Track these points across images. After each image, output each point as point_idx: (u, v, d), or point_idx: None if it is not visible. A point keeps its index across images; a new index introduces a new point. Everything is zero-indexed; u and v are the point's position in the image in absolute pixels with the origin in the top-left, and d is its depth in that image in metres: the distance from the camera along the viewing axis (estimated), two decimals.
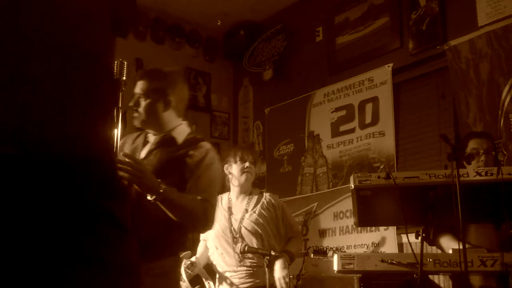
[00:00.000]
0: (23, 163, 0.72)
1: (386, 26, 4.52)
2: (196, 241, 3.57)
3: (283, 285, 3.02)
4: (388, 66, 4.42)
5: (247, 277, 3.13)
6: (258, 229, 3.16)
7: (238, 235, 3.17)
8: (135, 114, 2.42)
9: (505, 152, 3.53)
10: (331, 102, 4.89)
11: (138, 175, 2.06)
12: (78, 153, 0.77)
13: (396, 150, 4.28)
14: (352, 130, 4.65)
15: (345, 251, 4.30)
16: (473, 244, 2.76)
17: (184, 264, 3.30)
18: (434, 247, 3.03)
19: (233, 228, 3.20)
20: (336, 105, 4.84)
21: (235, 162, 3.32)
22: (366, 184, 2.37)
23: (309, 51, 5.25)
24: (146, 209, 2.16)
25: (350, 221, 4.37)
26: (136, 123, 2.45)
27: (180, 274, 2.46)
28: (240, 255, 3.12)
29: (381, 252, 3.99)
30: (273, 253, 2.96)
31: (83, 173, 0.76)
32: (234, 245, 3.16)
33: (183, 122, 2.48)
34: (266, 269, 2.91)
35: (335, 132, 4.79)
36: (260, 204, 3.28)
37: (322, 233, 4.64)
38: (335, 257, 2.50)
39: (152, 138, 2.45)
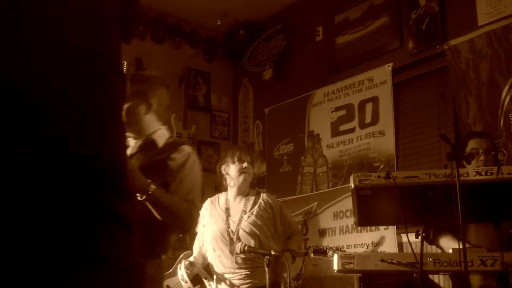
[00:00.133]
0: (37, 163, 0.73)
1: (386, 26, 4.52)
2: (192, 240, 3.57)
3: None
4: (388, 66, 4.43)
5: (245, 278, 3.13)
6: (256, 231, 3.15)
7: (235, 237, 3.16)
8: None
9: (505, 152, 3.53)
10: (331, 101, 4.89)
11: (130, 174, 2.06)
12: (91, 153, 0.78)
13: (396, 149, 4.29)
14: (352, 130, 4.65)
15: (345, 251, 4.30)
16: (473, 244, 2.76)
17: (184, 263, 3.30)
18: (434, 247, 3.03)
19: (231, 230, 3.19)
20: (336, 104, 4.84)
21: (233, 162, 3.31)
22: (366, 183, 2.37)
23: (309, 51, 5.25)
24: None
25: (350, 221, 4.37)
26: None
27: (164, 277, 2.47)
28: (237, 256, 3.11)
29: (381, 251, 3.99)
30: (273, 252, 2.95)
31: (95, 173, 0.78)
32: (231, 247, 3.15)
33: (163, 126, 2.51)
34: (266, 268, 2.91)
35: (335, 132, 4.79)
36: (257, 205, 3.26)
37: (322, 233, 4.64)
38: (335, 256, 2.50)
39: (132, 142, 2.47)
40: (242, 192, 3.32)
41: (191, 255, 3.43)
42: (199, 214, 2.38)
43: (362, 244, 4.29)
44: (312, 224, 4.74)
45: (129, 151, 2.42)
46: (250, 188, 3.43)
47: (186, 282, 3.31)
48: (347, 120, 4.71)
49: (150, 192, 2.13)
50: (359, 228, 4.30)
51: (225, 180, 3.37)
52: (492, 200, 2.32)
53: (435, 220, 2.24)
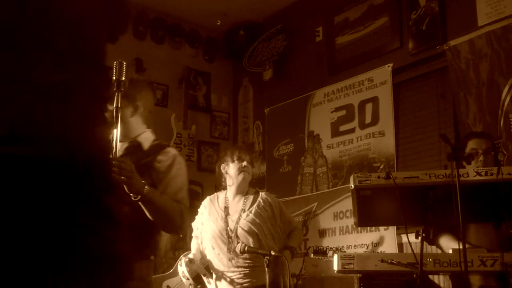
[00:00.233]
0: (25, 161, 0.76)
1: (386, 26, 4.52)
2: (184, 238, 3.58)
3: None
4: (388, 66, 4.42)
5: (244, 277, 3.13)
6: (255, 229, 3.16)
7: (234, 235, 3.17)
8: None
9: (505, 152, 3.53)
10: (331, 102, 4.89)
11: (129, 175, 2.11)
12: (78, 152, 0.81)
13: (396, 150, 4.28)
14: (352, 130, 4.65)
15: (345, 251, 4.30)
16: (473, 244, 2.76)
17: (184, 260, 3.30)
18: (434, 247, 3.03)
19: (229, 228, 3.20)
20: (336, 105, 4.84)
21: (232, 161, 3.32)
22: (366, 184, 2.37)
23: (309, 51, 5.25)
24: (119, 213, 2.17)
25: (350, 221, 4.37)
26: None
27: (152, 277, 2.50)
28: (234, 255, 3.12)
29: (381, 252, 3.99)
30: (273, 253, 2.95)
31: (81, 170, 0.81)
32: (229, 245, 3.15)
33: (148, 129, 2.56)
34: (266, 269, 2.91)
35: (335, 132, 4.79)
36: (256, 203, 3.27)
37: (322, 233, 4.64)
38: (335, 257, 2.50)
39: (118, 144, 2.44)
40: (242, 191, 3.33)
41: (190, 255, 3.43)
42: (188, 213, 2.41)
43: (362, 244, 4.29)
44: (312, 225, 4.74)
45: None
46: (249, 187, 3.43)
47: (188, 279, 3.31)
48: (347, 121, 4.71)
49: (144, 193, 2.15)
50: (359, 228, 4.30)
51: (225, 179, 3.37)
52: (492, 200, 2.32)
53: (435, 220, 2.24)
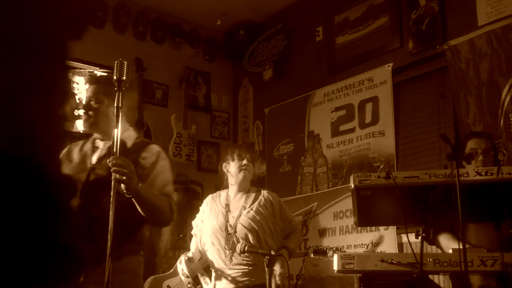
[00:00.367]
0: None
1: (386, 26, 4.52)
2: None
3: (278, 282, 3.02)
4: (388, 66, 4.42)
5: (243, 275, 3.13)
6: (255, 226, 3.16)
7: (233, 231, 3.17)
8: (85, 118, 2.51)
9: (505, 152, 3.53)
10: (331, 101, 4.89)
11: (130, 175, 2.16)
12: (25, 146, 0.83)
13: (396, 149, 4.28)
14: (352, 130, 4.65)
15: (345, 251, 4.30)
16: (473, 244, 2.76)
17: (184, 259, 3.29)
18: (434, 247, 3.03)
19: (229, 224, 3.21)
20: (336, 104, 4.84)
21: (233, 160, 3.33)
22: (366, 183, 2.36)
23: (309, 51, 5.25)
24: (105, 210, 2.27)
25: (350, 221, 4.37)
26: (85, 126, 2.54)
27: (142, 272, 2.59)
28: (233, 252, 3.12)
29: (381, 251, 3.99)
30: (272, 253, 2.95)
31: (30, 165, 0.83)
32: (229, 242, 3.16)
33: (130, 127, 2.59)
34: (266, 268, 2.91)
35: (335, 132, 4.79)
36: (257, 201, 3.27)
37: (322, 233, 4.64)
38: (335, 257, 2.50)
39: (101, 143, 2.54)
40: (243, 189, 3.34)
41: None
42: (176, 206, 2.48)
43: (362, 244, 4.29)
44: (312, 224, 4.74)
45: (98, 153, 2.51)
46: (251, 185, 3.44)
47: (187, 277, 3.30)
48: (347, 120, 4.71)
49: (139, 190, 2.21)
50: (359, 228, 4.30)
51: (227, 178, 3.39)
52: (492, 200, 2.32)
53: (435, 220, 2.24)
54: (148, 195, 2.30)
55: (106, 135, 2.52)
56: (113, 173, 2.09)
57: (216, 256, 3.22)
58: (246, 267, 3.12)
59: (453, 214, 2.11)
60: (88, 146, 2.58)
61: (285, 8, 5.56)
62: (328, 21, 5.06)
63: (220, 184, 3.56)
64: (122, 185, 2.15)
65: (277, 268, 3.05)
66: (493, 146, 3.00)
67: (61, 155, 2.62)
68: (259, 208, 3.23)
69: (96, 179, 2.43)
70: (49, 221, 0.84)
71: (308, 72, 5.21)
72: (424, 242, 2.23)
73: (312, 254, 3.86)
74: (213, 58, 6.02)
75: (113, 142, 2.15)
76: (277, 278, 3.03)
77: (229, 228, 3.20)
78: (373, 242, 4.19)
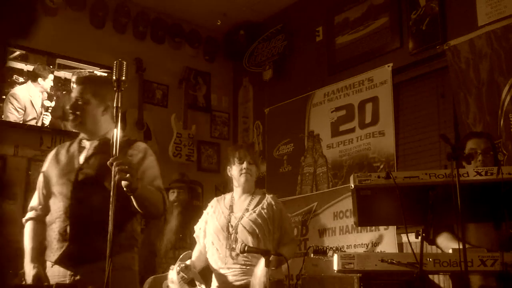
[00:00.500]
0: None
1: (386, 26, 4.52)
2: (192, 240, 3.57)
3: (262, 278, 2.97)
4: (388, 66, 4.43)
5: (240, 274, 3.13)
6: (256, 229, 3.16)
7: (234, 232, 3.17)
8: (72, 117, 2.55)
9: (505, 152, 3.53)
10: (331, 102, 4.89)
11: (133, 173, 2.21)
12: None
13: (396, 150, 4.28)
14: (352, 130, 4.65)
15: (345, 251, 4.30)
16: (473, 244, 2.76)
17: (178, 266, 3.27)
18: (434, 247, 3.03)
19: (231, 225, 3.21)
20: (336, 105, 4.84)
21: (234, 163, 3.34)
22: (366, 183, 2.36)
23: (309, 51, 5.25)
24: (95, 209, 2.34)
25: (350, 221, 4.37)
26: (72, 126, 2.59)
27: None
28: (233, 252, 3.12)
29: (380, 251, 3.99)
30: (272, 252, 2.95)
31: None
32: (228, 241, 3.16)
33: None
34: (266, 269, 2.91)
35: (335, 132, 4.79)
36: (261, 204, 3.28)
37: (322, 233, 4.64)
38: (335, 256, 2.49)
39: (87, 143, 2.59)
40: (248, 191, 3.35)
41: (190, 255, 3.43)
42: (167, 200, 2.56)
43: (362, 244, 4.29)
44: (312, 224, 4.74)
45: (85, 153, 2.55)
46: (256, 188, 3.45)
47: (172, 283, 3.28)
48: (347, 120, 4.71)
49: (138, 188, 2.26)
50: (359, 228, 4.30)
51: (231, 181, 3.41)
52: (492, 200, 2.32)
53: (435, 220, 2.24)
54: (146, 191, 2.36)
55: (93, 135, 2.58)
56: (117, 173, 2.11)
57: (215, 256, 3.23)
58: (244, 267, 3.13)
59: (453, 214, 2.11)
60: (74, 146, 2.63)
61: (285, 8, 5.56)
62: (328, 21, 5.06)
63: (221, 185, 3.57)
64: (123, 183, 2.18)
65: (259, 268, 2.99)
66: (492, 146, 3.00)
67: (49, 157, 2.68)
68: (262, 212, 3.23)
69: (85, 179, 2.48)
70: None
71: (308, 72, 5.21)
72: (424, 242, 2.23)
73: (312, 254, 3.86)
74: (213, 58, 6.02)
75: (112, 142, 2.17)
76: (263, 278, 2.96)
77: (230, 229, 3.20)
78: (373, 242, 4.19)
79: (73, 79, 2.71)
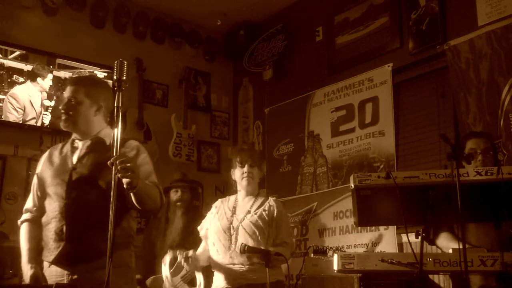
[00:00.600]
0: None
1: (386, 26, 4.52)
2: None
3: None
4: (388, 66, 4.42)
5: (241, 274, 3.13)
6: (256, 230, 3.16)
7: (235, 233, 3.18)
8: (64, 117, 2.57)
9: (504, 152, 3.53)
10: (331, 101, 4.89)
11: (135, 171, 2.23)
12: None
13: (396, 150, 4.28)
14: (352, 130, 4.65)
15: (345, 251, 4.30)
16: (473, 244, 2.76)
17: (180, 254, 3.24)
18: (434, 247, 3.03)
19: (232, 226, 3.22)
20: (336, 104, 4.84)
21: (236, 167, 3.35)
22: (366, 183, 2.36)
23: (309, 51, 5.25)
24: (90, 208, 2.38)
25: (350, 221, 4.37)
26: (65, 126, 2.61)
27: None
28: (233, 252, 3.13)
29: (380, 251, 3.99)
30: (272, 252, 2.95)
31: None
32: (229, 243, 3.17)
33: (108, 126, 2.68)
34: (267, 269, 2.91)
35: (335, 132, 4.79)
36: (262, 207, 3.29)
37: (322, 233, 4.64)
38: (335, 256, 2.49)
39: (80, 143, 2.61)
40: (251, 193, 3.36)
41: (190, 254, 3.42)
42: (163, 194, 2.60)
43: (362, 244, 4.29)
44: (312, 224, 4.74)
45: (78, 153, 2.57)
46: (260, 189, 3.45)
47: (164, 264, 3.27)
48: (347, 120, 4.71)
49: (139, 185, 2.28)
50: (359, 228, 4.29)
51: (235, 183, 3.43)
52: (492, 200, 2.32)
53: (435, 220, 2.24)
54: (145, 187, 2.37)
55: (85, 135, 2.60)
56: (120, 171, 2.14)
57: (215, 256, 3.23)
58: (243, 267, 3.13)
59: (453, 214, 2.11)
60: (67, 147, 2.65)
61: (285, 8, 5.56)
62: (328, 21, 5.06)
63: (221, 185, 3.57)
64: (126, 181, 2.21)
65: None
66: (492, 146, 3.00)
67: (42, 159, 2.71)
68: (263, 213, 3.24)
69: (79, 178, 2.50)
70: None
71: (308, 72, 5.21)
72: (424, 242, 2.23)
73: (312, 254, 3.86)
74: (213, 58, 6.02)
75: (112, 142, 2.18)
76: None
77: (231, 230, 3.20)
78: (373, 242, 4.19)
79: (67, 79, 2.75)
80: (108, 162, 2.15)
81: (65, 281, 2.38)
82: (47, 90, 4.71)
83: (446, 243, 2.85)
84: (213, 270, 3.29)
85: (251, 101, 5.90)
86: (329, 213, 4.63)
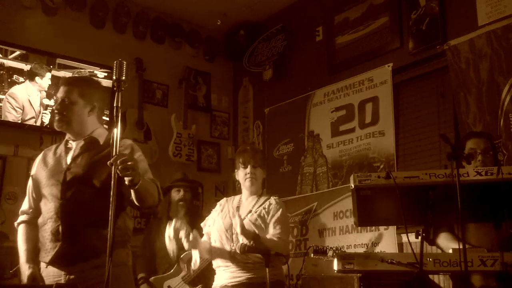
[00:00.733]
0: None
1: (386, 26, 4.52)
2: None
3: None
4: (388, 66, 4.42)
5: (241, 273, 3.14)
6: (255, 230, 3.17)
7: (235, 232, 3.18)
8: (58, 117, 2.59)
9: (504, 152, 3.53)
10: (331, 101, 4.89)
11: (136, 168, 2.25)
12: None
13: (396, 149, 4.28)
14: (352, 130, 4.65)
15: (345, 251, 4.29)
16: (473, 244, 2.76)
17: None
18: (434, 247, 3.03)
19: (233, 225, 3.22)
20: (336, 104, 4.84)
21: (239, 168, 3.37)
22: (366, 183, 2.36)
23: (309, 51, 5.25)
24: (85, 208, 2.40)
25: (350, 221, 4.37)
26: (58, 126, 2.62)
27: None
28: (231, 250, 3.13)
29: (381, 251, 3.99)
30: (272, 252, 2.95)
31: None
32: (231, 242, 3.17)
33: (101, 126, 2.71)
34: (267, 268, 2.91)
35: (335, 132, 4.79)
36: (263, 205, 3.29)
37: (322, 233, 4.64)
38: (335, 256, 2.49)
39: (73, 143, 2.63)
40: (254, 193, 3.38)
41: (191, 255, 3.43)
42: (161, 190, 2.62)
43: (362, 244, 4.29)
44: (312, 224, 4.74)
45: (72, 153, 2.59)
46: (264, 189, 3.46)
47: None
48: (347, 120, 4.71)
49: (140, 182, 2.31)
50: (359, 228, 4.29)
51: (239, 184, 3.46)
52: (492, 200, 2.32)
53: (435, 220, 2.24)
54: (145, 183, 2.39)
55: (79, 135, 2.62)
56: (121, 170, 2.14)
57: (217, 255, 3.24)
58: (243, 264, 3.14)
59: (453, 214, 2.11)
60: (61, 148, 2.66)
61: (285, 8, 5.56)
62: (328, 21, 5.06)
63: (221, 184, 3.57)
64: (127, 179, 2.23)
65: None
66: (492, 146, 3.00)
67: (37, 161, 2.72)
68: (263, 213, 3.25)
69: (73, 178, 2.51)
70: None
71: (308, 72, 5.21)
72: (424, 242, 2.23)
73: (312, 254, 3.85)
74: (213, 58, 6.02)
75: (112, 142, 2.18)
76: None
77: (233, 229, 3.21)
78: (373, 242, 4.19)
79: (61, 79, 2.76)
80: (108, 162, 2.15)
81: (63, 281, 2.39)
82: (46, 89, 4.71)
83: (446, 243, 2.85)
84: (214, 268, 3.29)
85: (251, 101, 5.90)
86: (329, 213, 4.63)
